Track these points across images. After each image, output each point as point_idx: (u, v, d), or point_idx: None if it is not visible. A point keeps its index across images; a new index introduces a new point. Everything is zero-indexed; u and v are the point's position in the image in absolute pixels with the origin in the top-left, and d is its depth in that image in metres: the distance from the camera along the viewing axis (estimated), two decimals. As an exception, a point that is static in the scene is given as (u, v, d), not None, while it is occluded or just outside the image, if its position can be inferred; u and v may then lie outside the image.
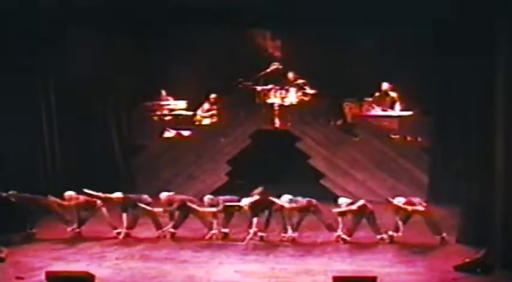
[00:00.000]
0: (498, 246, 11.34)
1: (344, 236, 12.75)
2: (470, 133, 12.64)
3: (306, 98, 17.47)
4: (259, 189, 13.64)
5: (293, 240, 12.90)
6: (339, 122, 17.17)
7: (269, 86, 17.46)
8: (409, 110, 16.67)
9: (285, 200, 13.02)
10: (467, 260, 11.17)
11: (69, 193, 13.48)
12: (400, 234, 12.72)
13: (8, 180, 13.62)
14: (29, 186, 13.68)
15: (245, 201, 13.03)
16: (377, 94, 16.97)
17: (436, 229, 12.66)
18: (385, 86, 16.83)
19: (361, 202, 12.90)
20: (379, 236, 12.75)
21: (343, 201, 13.01)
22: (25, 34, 14.08)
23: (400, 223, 12.70)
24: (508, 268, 10.98)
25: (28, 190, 13.50)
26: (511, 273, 10.92)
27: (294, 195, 13.48)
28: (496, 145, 11.59)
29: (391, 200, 12.80)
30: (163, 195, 13.48)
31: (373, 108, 16.93)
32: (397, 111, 16.78)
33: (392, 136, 16.80)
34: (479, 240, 11.79)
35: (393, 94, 16.89)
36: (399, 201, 12.74)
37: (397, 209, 12.70)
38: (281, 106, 17.32)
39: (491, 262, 11.06)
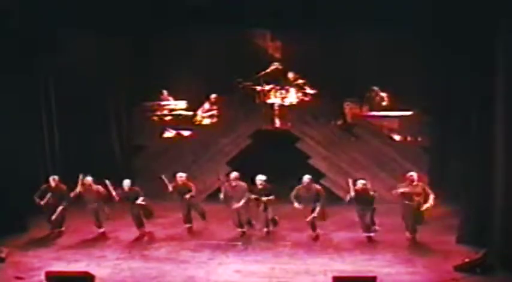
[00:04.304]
0: (498, 246, 11.34)
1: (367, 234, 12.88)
2: (470, 133, 12.63)
3: (306, 98, 17.49)
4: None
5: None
6: (339, 122, 17.18)
7: (269, 86, 17.49)
8: (399, 110, 16.71)
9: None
10: (467, 260, 11.18)
11: None
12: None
13: (9, 181, 13.64)
14: (29, 186, 13.68)
15: None
16: (367, 95, 17.03)
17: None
18: (375, 87, 17.01)
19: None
20: (368, 234, 12.85)
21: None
22: (25, 34, 14.08)
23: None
24: (508, 268, 10.99)
25: (28, 190, 13.50)
26: (511, 273, 10.93)
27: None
28: (496, 145, 11.59)
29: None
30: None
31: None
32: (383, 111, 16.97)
33: (393, 136, 16.81)
34: (479, 240, 11.79)
35: (383, 94, 16.96)
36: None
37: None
38: (281, 106, 17.33)
39: (491, 262, 11.06)
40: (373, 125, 16.88)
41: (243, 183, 13.50)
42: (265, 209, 13.36)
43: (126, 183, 13.43)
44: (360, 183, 12.93)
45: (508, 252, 11.13)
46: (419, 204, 12.59)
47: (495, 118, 11.59)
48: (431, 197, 12.54)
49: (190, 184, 13.94)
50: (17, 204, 13.70)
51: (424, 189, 12.70)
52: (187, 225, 13.78)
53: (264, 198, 13.25)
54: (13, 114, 14.00)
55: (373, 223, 12.96)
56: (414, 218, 12.68)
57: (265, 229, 13.49)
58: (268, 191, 13.34)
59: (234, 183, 13.45)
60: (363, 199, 12.83)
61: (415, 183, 12.69)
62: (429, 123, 16.24)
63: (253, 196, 13.39)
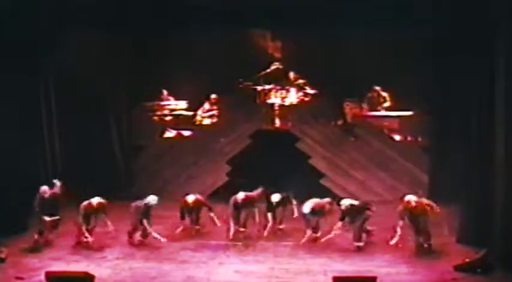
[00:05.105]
0: (498, 246, 11.34)
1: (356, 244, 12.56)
2: (470, 133, 12.63)
3: (306, 98, 17.49)
4: (258, 190, 13.73)
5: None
6: (339, 122, 17.18)
7: (269, 86, 17.49)
8: (398, 110, 16.71)
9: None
10: (467, 260, 11.18)
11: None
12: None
13: (9, 181, 13.64)
14: (29, 186, 13.67)
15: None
16: (369, 94, 17.03)
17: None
18: (376, 87, 16.97)
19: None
20: (356, 243, 12.46)
21: (346, 202, 12.71)
22: (25, 34, 14.07)
23: (400, 224, 12.30)
24: (508, 268, 10.99)
25: (28, 190, 13.49)
26: (511, 273, 10.92)
27: (295, 195, 13.59)
28: (496, 145, 11.59)
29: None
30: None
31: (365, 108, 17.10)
32: (384, 111, 16.95)
33: (393, 136, 16.81)
34: (479, 240, 11.78)
35: (384, 94, 16.96)
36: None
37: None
38: (281, 106, 17.34)
39: (491, 262, 11.06)
40: (373, 125, 16.88)
41: (253, 195, 13.53)
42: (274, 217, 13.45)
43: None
44: (344, 204, 12.54)
45: (508, 252, 11.13)
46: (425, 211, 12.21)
47: (495, 118, 11.58)
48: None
49: (203, 202, 13.74)
50: (17, 204, 13.68)
51: (425, 207, 12.24)
52: (197, 227, 13.76)
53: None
54: (13, 114, 13.99)
55: (360, 235, 12.48)
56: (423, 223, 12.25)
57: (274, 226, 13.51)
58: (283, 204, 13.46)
59: (243, 199, 13.30)
60: (351, 215, 12.50)
61: (413, 205, 12.16)
62: (429, 123, 16.25)
63: (270, 215, 13.38)
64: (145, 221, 12.82)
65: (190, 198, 13.52)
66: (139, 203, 12.99)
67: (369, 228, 12.64)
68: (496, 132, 11.58)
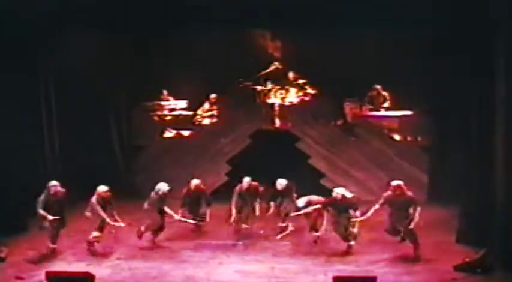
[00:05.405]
0: (498, 246, 11.34)
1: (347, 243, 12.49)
2: (470, 133, 12.63)
3: (306, 98, 17.50)
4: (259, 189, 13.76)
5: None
6: (339, 122, 17.19)
7: (269, 86, 17.50)
8: (399, 110, 16.71)
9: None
10: (467, 260, 11.18)
11: None
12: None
13: (9, 181, 13.64)
14: (29, 186, 13.66)
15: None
16: (369, 93, 17.04)
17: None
18: (377, 86, 16.95)
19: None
20: (347, 242, 12.34)
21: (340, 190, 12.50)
22: (25, 34, 14.07)
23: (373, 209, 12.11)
24: (508, 268, 10.99)
25: (29, 191, 13.50)
26: (511, 273, 10.93)
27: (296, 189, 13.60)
28: (496, 145, 11.60)
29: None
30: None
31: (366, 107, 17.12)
32: (384, 110, 16.95)
33: (393, 136, 16.81)
34: (479, 240, 11.79)
35: (384, 93, 16.97)
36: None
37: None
38: (281, 106, 17.35)
39: (491, 262, 11.07)
40: (373, 125, 16.89)
41: (256, 184, 13.56)
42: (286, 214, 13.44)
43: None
44: (338, 192, 12.36)
45: (508, 252, 11.14)
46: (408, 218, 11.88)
47: (495, 118, 11.59)
48: (418, 210, 11.79)
49: (203, 190, 13.82)
50: (17, 204, 13.69)
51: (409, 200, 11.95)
52: (199, 224, 13.77)
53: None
54: (13, 115, 13.99)
55: (347, 235, 12.30)
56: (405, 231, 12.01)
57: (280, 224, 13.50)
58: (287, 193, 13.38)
59: (247, 187, 13.39)
60: (340, 208, 12.31)
61: (398, 192, 11.90)
62: (429, 123, 16.25)
63: (272, 204, 13.46)
64: (166, 208, 12.83)
65: (194, 181, 13.60)
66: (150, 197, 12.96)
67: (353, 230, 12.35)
68: (496, 132, 11.59)
